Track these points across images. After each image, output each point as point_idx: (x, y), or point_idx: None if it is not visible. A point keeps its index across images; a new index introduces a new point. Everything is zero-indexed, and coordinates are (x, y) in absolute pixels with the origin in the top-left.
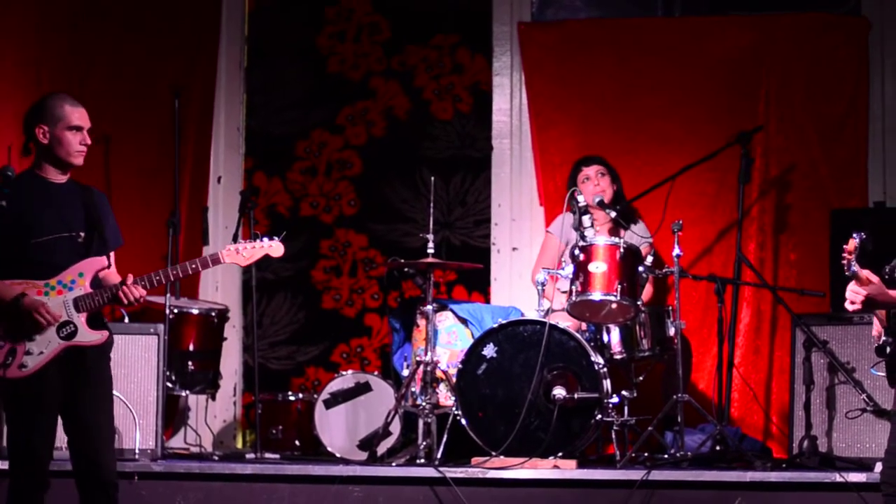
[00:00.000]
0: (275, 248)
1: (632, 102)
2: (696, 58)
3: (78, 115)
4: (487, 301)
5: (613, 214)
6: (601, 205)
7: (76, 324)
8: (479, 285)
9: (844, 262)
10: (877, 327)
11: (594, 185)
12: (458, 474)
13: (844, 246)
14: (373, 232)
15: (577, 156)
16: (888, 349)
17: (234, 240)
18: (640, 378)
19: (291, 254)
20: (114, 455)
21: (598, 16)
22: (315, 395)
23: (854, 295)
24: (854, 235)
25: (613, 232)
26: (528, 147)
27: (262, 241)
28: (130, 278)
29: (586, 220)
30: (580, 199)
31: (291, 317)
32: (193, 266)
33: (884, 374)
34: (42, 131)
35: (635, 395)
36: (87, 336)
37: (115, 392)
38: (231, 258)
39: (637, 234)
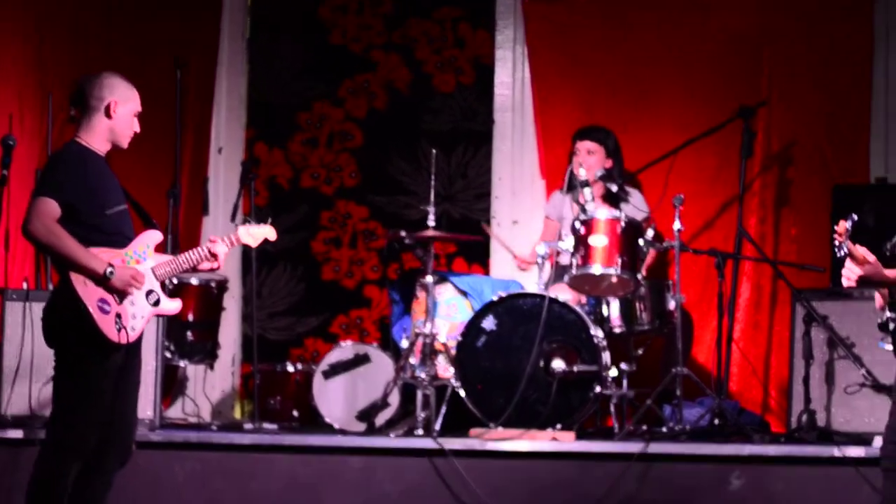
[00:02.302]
0: (271, 232)
1: (634, 76)
2: (699, 31)
3: (139, 102)
4: (487, 274)
5: (615, 189)
6: (603, 178)
7: (158, 292)
8: (479, 258)
9: (836, 243)
10: (878, 301)
11: (580, 162)
12: (457, 446)
13: (835, 227)
14: (373, 204)
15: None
16: (892, 325)
17: (235, 210)
18: (640, 351)
19: (291, 225)
20: None
21: None
22: (314, 366)
23: (849, 272)
24: (846, 217)
25: (609, 202)
26: (529, 121)
27: (262, 225)
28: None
29: (587, 192)
30: (582, 172)
31: (291, 288)
32: (225, 242)
33: (891, 348)
34: (114, 104)
35: (634, 368)
36: (169, 304)
37: None
38: (244, 238)
39: (634, 207)
